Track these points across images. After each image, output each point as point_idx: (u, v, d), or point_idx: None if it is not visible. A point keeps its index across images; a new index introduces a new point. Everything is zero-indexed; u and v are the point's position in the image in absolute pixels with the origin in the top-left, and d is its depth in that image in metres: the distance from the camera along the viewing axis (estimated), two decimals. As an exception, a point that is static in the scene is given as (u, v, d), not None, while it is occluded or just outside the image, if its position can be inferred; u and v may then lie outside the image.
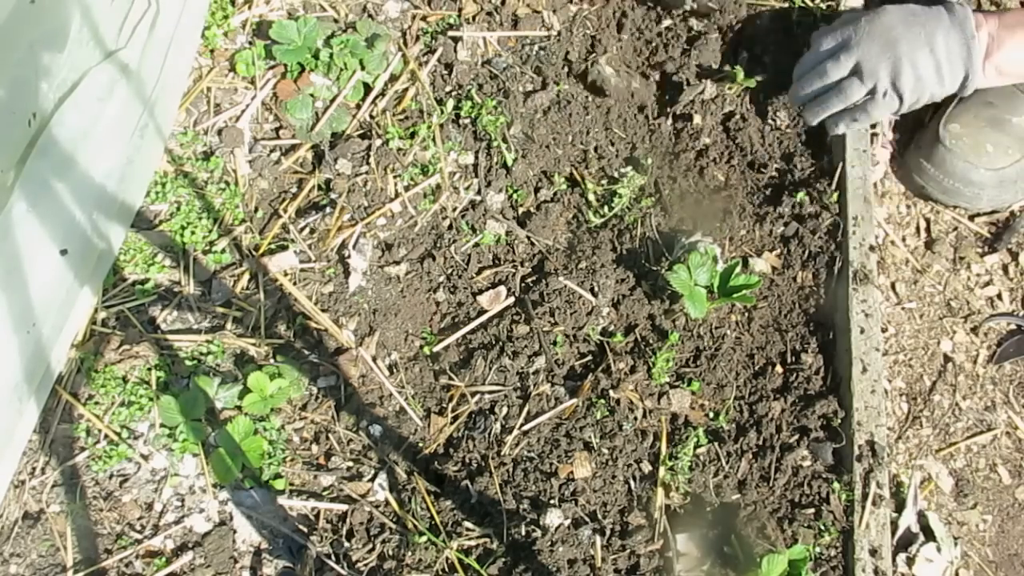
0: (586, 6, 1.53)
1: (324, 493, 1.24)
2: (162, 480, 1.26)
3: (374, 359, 1.30)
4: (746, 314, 1.32)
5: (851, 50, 1.24)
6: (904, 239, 1.47)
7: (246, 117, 1.48)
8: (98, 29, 1.24)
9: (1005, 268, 1.45)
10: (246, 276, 1.36)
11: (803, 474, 1.22)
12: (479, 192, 1.40)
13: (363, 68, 1.48)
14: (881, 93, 1.24)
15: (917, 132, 1.51)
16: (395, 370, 1.30)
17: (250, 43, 1.52)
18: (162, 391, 1.28)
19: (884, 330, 1.40)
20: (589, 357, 1.30)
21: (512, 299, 1.34)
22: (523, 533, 1.16)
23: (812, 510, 1.19)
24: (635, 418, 1.24)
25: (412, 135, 1.44)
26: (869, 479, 1.21)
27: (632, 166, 1.44)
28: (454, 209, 1.39)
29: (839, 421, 1.24)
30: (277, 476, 1.24)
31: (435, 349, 1.31)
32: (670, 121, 1.47)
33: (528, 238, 1.37)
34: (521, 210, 1.40)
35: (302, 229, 1.39)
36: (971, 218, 1.48)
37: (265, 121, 1.49)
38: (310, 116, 1.46)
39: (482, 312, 1.33)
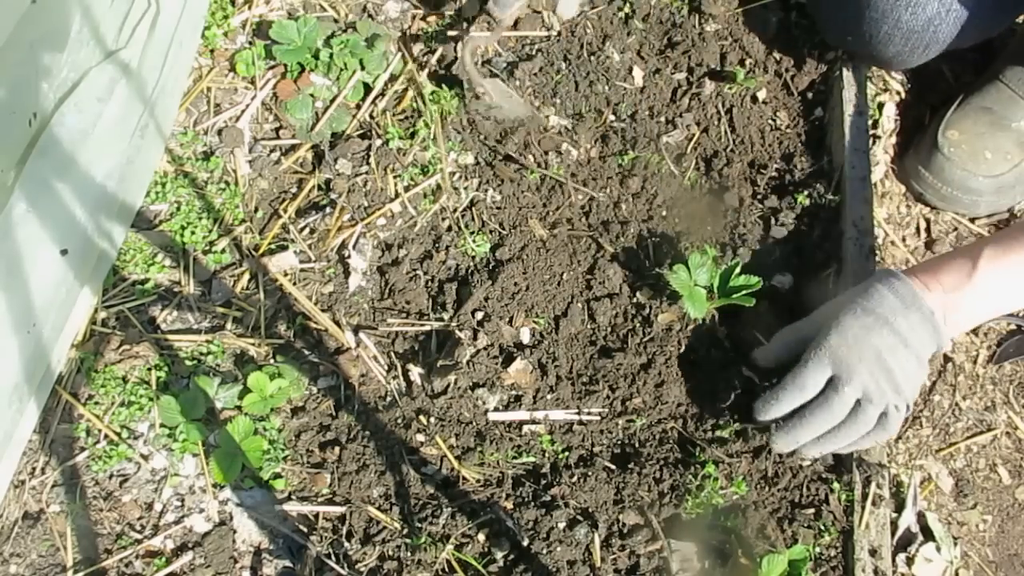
0: (587, 8, 1.53)
1: (324, 493, 1.24)
2: (162, 480, 1.26)
3: (374, 359, 1.30)
4: (746, 314, 1.32)
5: (850, 382, 1.09)
6: (904, 239, 1.47)
7: (246, 117, 1.48)
8: (98, 29, 1.24)
9: (1005, 268, 1.45)
10: (246, 276, 1.36)
11: (803, 474, 1.22)
12: (479, 192, 1.40)
13: (363, 68, 1.48)
14: (895, 409, 1.11)
15: (916, 136, 1.50)
16: (394, 369, 1.30)
17: (250, 43, 1.52)
18: (162, 391, 1.28)
19: (884, 330, 1.39)
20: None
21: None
22: (523, 533, 1.16)
23: (812, 510, 1.19)
24: (635, 418, 1.24)
25: (412, 135, 1.44)
26: (869, 479, 1.21)
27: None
28: (454, 209, 1.39)
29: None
30: (277, 476, 1.24)
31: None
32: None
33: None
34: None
35: (302, 229, 1.39)
36: (971, 219, 1.48)
37: (265, 121, 1.49)
38: (310, 116, 1.46)
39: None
